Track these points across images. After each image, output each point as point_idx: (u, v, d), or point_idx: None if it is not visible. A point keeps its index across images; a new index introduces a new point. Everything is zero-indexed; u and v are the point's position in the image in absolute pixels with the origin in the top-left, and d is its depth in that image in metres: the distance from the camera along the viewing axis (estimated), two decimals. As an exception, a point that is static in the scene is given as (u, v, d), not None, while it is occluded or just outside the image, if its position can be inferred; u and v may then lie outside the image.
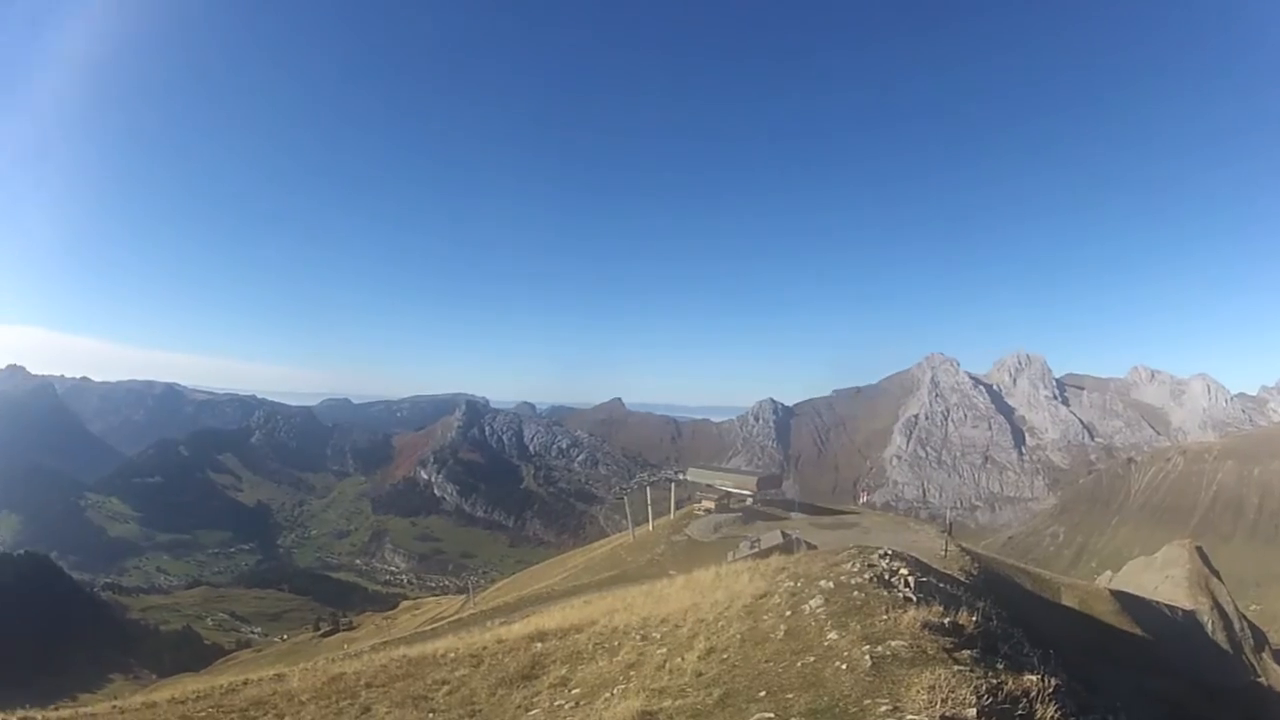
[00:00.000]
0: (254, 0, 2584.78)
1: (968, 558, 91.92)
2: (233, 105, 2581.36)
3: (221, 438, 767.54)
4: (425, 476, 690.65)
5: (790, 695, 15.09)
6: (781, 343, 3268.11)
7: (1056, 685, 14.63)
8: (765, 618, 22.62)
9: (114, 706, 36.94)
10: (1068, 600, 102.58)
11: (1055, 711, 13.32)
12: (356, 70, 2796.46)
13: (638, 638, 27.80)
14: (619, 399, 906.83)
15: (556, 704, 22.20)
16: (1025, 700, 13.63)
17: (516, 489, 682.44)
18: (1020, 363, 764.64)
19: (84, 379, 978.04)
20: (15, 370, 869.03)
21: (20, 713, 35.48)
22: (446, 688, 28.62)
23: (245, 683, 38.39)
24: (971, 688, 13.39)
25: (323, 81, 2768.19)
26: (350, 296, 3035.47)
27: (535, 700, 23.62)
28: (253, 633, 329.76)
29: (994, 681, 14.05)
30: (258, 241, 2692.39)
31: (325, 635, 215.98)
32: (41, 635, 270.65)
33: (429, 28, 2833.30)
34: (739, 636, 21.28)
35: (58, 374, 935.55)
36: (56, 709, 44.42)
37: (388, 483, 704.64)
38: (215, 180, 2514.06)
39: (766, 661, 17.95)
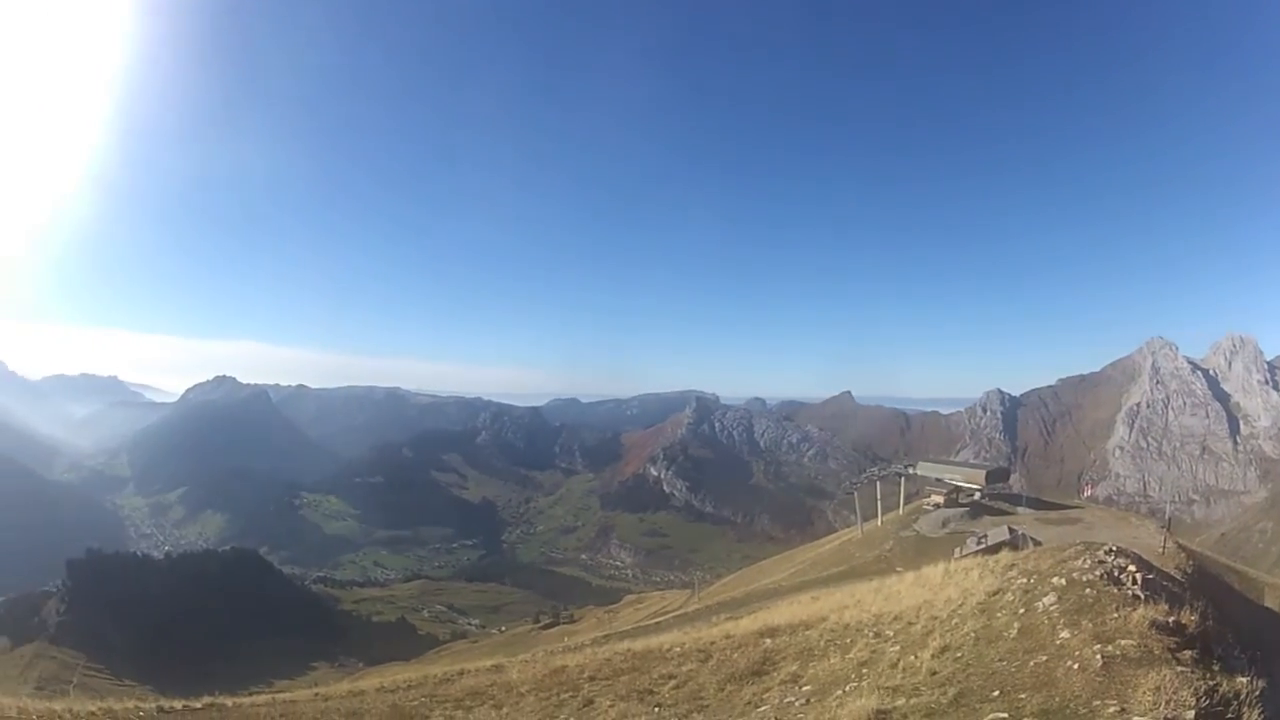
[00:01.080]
0: None
1: (1183, 555, 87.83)
2: (455, 109, 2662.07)
3: (446, 438, 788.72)
4: (654, 473, 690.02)
5: (1023, 695, 15.21)
6: (1005, 335, 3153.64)
7: (1263, 688, 14.54)
8: (998, 615, 22.40)
9: (317, 694, 37.92)
10: (1269, 601, 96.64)
11: (1259, 716, 13.30)
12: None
13: (870, 635, 27.29)
14: (848, 392, 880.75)
15: (787, 701, 21.72)
16: (1235, 703, 13.54)
17: (745, 485, 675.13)
18: (1234, 345, 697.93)
19: (300, 387, 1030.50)
20: (224, 380, 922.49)
21: (207, 699, 35.39)
22: (673, 682, 28.23)
23: (461, 673, 39.30)
24: (1191, 689, 13.35)
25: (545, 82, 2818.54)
26: (580, 297, 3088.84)
27: (765, 696, 23.21)
28: (470, 625, 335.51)
29: (1211, 683, 13.91)
30: (484, 248, 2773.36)
31: (545, 628, 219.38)
32: (242, 624, 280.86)
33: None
34: (973, 635, 21.14)
35: (271, 383, 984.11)
36: (250, 695, 45.03)
37: (617, 480, 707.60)
38: (446, 188, 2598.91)
39: (1000, 660, 17.98)
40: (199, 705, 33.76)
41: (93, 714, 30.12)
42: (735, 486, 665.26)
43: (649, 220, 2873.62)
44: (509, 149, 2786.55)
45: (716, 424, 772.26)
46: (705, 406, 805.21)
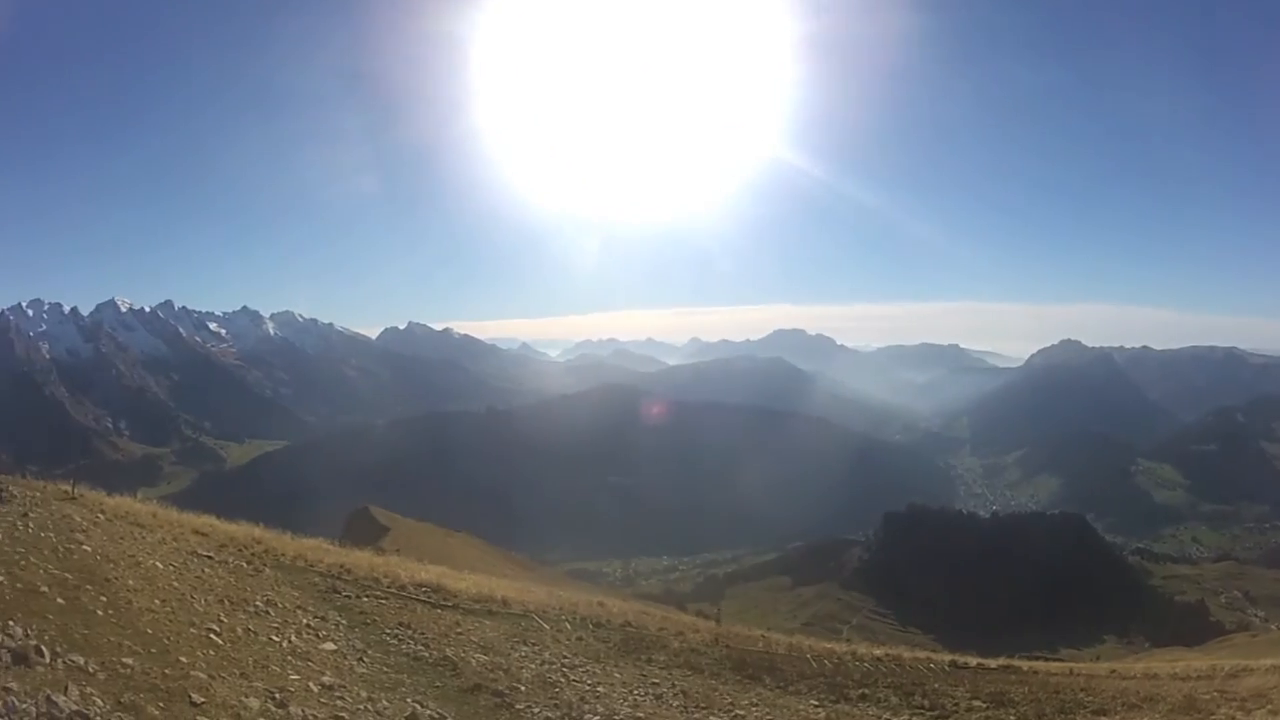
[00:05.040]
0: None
1: None
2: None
3: (1278, 404, 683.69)
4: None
5: None
6: None
7: None
8: None
9: (1113, 671, 36.43)
10: None
11: None
12: None
13: None
14: None
15: None
16: None
17: None
18: None
19: (1144, 348, 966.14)
20: (1069, 344, 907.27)
21: (1004, 660, 36.09)
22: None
23: (1246, 669, 33.71)
24: None
25: None
26: None
27: None
28: (1255, 616, 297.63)
29: None
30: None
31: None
32: (1045, 588, 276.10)
33: None
34: None
35: (1116, 345, 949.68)
36: (1043, 660, 46.58)
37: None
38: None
39: None
40: (994, 665, 33.21)
41: (878, 659, 31.18)
42: None
43: None
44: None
45: None
46: None
